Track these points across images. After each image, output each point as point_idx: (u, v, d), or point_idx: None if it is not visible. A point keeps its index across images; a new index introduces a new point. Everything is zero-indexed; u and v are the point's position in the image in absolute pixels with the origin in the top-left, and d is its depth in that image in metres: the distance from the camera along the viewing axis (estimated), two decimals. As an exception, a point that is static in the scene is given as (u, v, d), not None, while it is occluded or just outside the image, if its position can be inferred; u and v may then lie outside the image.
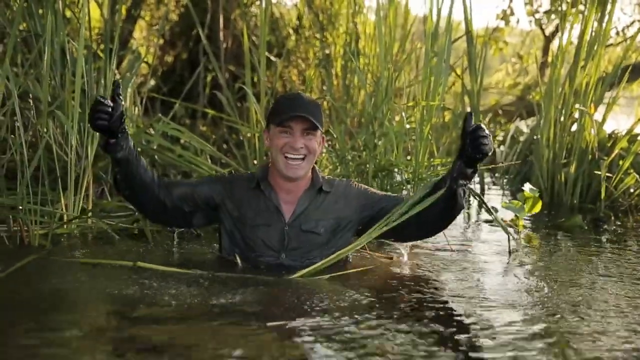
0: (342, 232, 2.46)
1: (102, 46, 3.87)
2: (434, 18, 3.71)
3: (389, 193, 2.65)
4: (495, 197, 4.49)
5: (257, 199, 2.44)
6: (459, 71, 4.69)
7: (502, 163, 4.96)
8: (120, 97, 2.26)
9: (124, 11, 5.81)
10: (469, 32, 4.17)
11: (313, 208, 2.44)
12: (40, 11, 3.11)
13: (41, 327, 1.80)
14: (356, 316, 1.95)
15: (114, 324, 1.92)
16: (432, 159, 3.79)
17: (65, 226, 2.89)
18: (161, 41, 6.45)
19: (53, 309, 1.99)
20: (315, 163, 2.51)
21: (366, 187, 2.57)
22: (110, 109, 2.21)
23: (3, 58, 2.75)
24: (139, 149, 3.36)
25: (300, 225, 2.42)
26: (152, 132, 3.54)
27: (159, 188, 2.41)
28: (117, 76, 3.41)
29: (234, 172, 3.14)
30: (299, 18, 6.08)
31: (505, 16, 8.13)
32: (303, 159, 2.36)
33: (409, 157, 3.82)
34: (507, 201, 3.50)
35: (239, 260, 2.39)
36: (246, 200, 2.45)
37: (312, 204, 2.44)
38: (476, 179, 4.56)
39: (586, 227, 3.57)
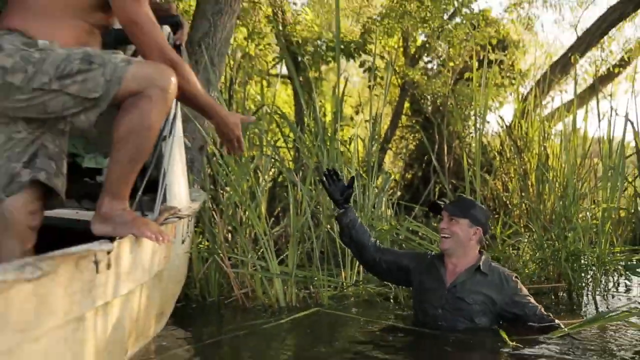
0: (485, 311, 2.82)
1: (365, 168, 4.85)
2: (606, 140, 4.55)
3: (532, 306, 2.84)
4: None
5: (430, 271, 2.94)
6: (630, 179, 5.30)
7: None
8: (339, 180, 3.08)
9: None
10: (638, 151, 5.00)
11: (470, 282, 2.82)
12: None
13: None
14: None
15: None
16: (612, 247, 4.31)
17: (344, 291, 3.66)
18: (403, 164, 8.31)
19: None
20: (517, 249, 3.20)
21: (522, 288, 2.87)
22: (332, 180, 3.08)
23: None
24: (390, 239, 4.06)
25: (456, 292, 2.83)
26: (400, 228, 4.24)
27: (376, 251, 3.10)
28: (375, 190, 4.42)
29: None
30: (502, 144, 7.07)
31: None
32: (449, 237, 2.86)
33: (593, 247, 4.22)
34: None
35: None
36: (424, 272, 2.97)
37: (470, 279, 2.83)
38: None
39: None
